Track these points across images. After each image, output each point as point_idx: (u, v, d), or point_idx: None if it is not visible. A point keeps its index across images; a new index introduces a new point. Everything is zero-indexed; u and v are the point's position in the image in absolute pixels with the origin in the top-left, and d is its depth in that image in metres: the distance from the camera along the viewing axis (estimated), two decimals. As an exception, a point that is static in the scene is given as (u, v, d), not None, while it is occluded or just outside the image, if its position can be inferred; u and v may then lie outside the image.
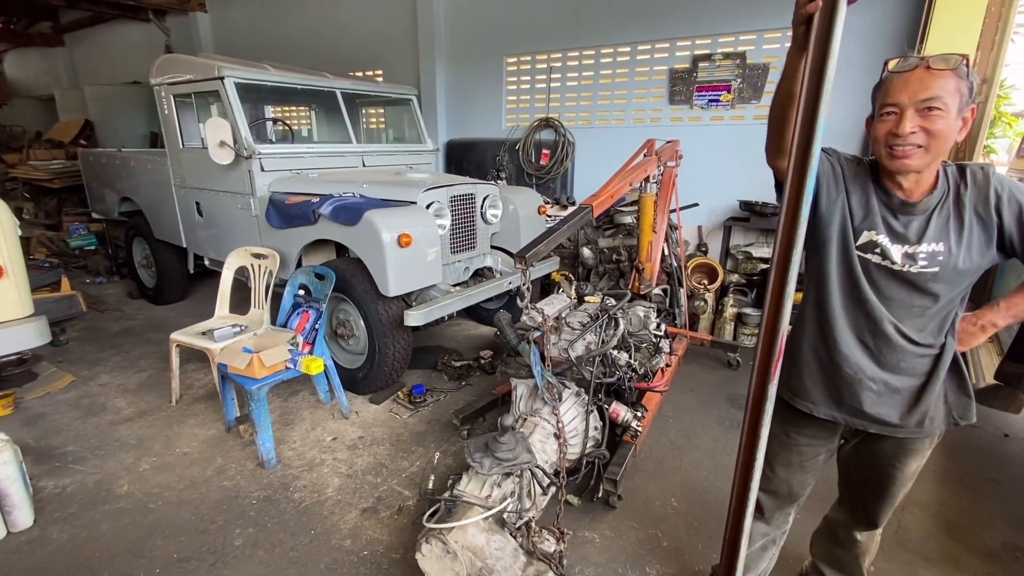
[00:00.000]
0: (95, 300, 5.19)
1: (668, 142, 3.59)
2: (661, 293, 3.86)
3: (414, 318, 2.97)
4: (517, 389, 2.56)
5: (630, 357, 2.60)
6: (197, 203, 4.11)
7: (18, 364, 3.27)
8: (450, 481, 1.93)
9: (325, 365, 2.86)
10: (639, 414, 2.50)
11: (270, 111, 5.11)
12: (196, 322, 3.29)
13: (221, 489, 2.49)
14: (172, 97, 3.94)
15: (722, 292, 4.48)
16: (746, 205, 4.33)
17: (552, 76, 5.41)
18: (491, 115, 5.93)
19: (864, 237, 1.27)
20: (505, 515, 1.82)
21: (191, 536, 2.20)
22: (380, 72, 6.62)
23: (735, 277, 4.48)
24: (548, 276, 4.77)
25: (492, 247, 4.07)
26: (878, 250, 1.26)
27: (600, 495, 2.34)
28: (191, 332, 3.13)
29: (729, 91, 4.48)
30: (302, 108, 5.62)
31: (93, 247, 6.38)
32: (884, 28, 3.81)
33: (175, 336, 3.09)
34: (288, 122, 5.15)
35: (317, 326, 2.93)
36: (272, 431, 2.67)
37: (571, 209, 4.42)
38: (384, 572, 2.03)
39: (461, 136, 6.16)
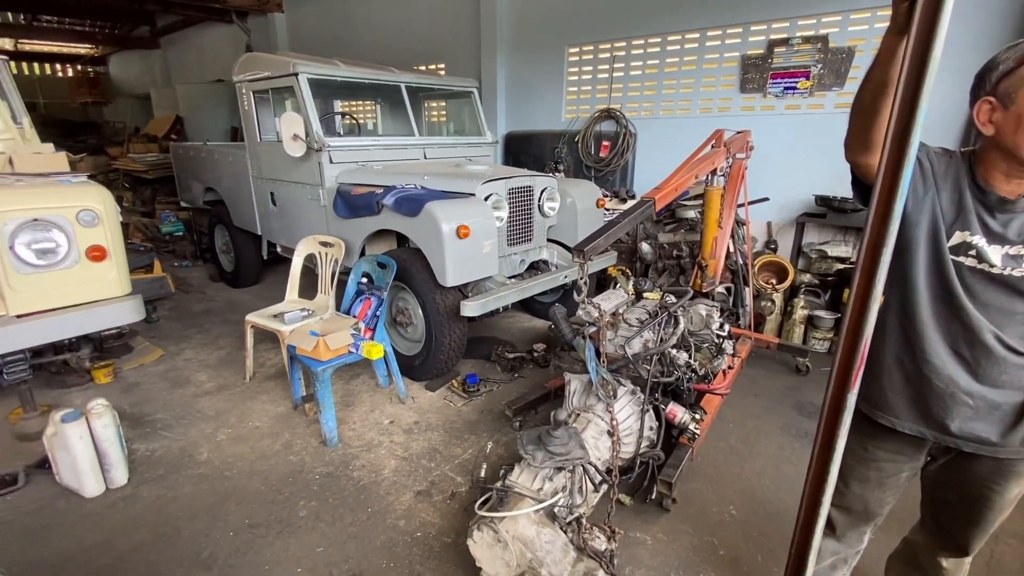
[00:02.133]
0: (182, 282, 5.64)
1: (738, 132, 3.42)
2: (725, 292, 3.70)
3: (470, 308, 3.01)
4: (571, 384, 2.54)
5: (690, 357, 2.52)
6: (271, 193, 4.36)
7: (117, 338, 3.61)
8: (502, 471, 1.95)
9: (385, 351, 2.96)
10: (697, 416, 2.41)
11: (338, 105, 5.32)
12: (269, 305, 3.50)
13: (288, 463, 2.65)
14: (252, 93, 4.19)
15: (792, 293, 4.23)
16: (823, 200, 4.05)
17: (615, 66, 5.28)
18: (551, 107, 5.88)
19: (956, 238, 1.15)
20: (556, 509, 1.81)
21: (261, 504, 2.35)
22: (442, 65, 6.72)
23: (807, 277, 4.21)
24: (604, 271, 4.69)
25: (548, 240, 4.06)
26: (972, 252, 1.14)
27: (654, 497, 2.29)
28: (264, 314, 3.34)
29: (808, 77, 4.19)
30: (368, 102, 5.81)
31: (181, 233, 6.93)
32: (991, 2, 3.42)
33: (250, 318, 3.31)
34: (355, 116, 5.35)
35: (378, 313, 3.03)
36: (335, 411, 2.80)
37: (632, 202, 4.31)
38: (436, 554, 2.09)
39: (520, 128, 6.15)
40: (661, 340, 2.50)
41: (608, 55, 5.32)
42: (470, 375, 3.40)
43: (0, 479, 2.42)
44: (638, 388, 2.41)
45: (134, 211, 7.57)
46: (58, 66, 14.86)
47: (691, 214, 4.47)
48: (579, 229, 3.96)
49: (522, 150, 6.04)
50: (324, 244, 3.53)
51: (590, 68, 5.51)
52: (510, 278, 3.68)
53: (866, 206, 1.03)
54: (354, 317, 3.12)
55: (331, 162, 3.73)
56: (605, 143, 5.39)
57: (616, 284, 4.45)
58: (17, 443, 2.75)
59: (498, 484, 1.88)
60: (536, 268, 4.06)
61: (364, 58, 4.84)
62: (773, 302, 4.09)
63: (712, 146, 3.21)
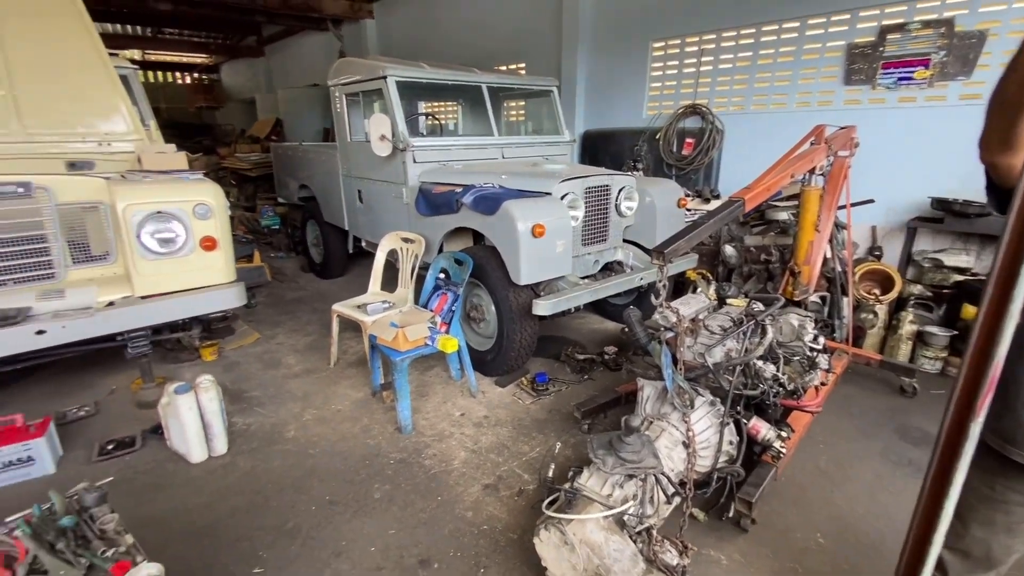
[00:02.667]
0: (277, 272, 6.12)
1: (842, 128, 3.13)
2: (819, 301, 3.41)
3: (542, 307, 3.01)
4: (644, 390, 2.46)
5: (778, 370, 2.34)
6: (359, 191, 4.61)
7: (222, 320, 4.00)
8: (571, 473, 1.93)
9: (459, 345, 3.03)
10: (783, 434, 2.24)
11: (422, 106, 5.51)
12: (353, 296, 3.70)
13: (365, 446, 2.79)
14: (344, 96, 4.45)
15: (898, 305, 3.82)
16: (940, 203, 3.61)
17: (702, 60, 5.04)
18: (631, 104, 5.72)
19: None
20: (625, 518, 1.76)
21: (340, 483, 2.50)
22: (523, 65, 6.76)
23: (917, 288, 3.78)
24: (683, 274, 4.51)
25: (625, 241, 3.96)
26: None
27: (731, 515, 2.16)
28: (349, 305, 3.54)
29: (927, 66, 3.76)
30: (451, 103, 5.97)
31: (277, 227, 7.51)
32: None
33: (336, 307, 3.52)
34: (438, 116, 5.51)
35: (453, 308, 3.11)
36: (410, 400, 2.91)
37: (716, 202, 4.10)
38: (501, 549, 2.11)
39: (598, 126, 6.05)
40: (746, 350, 2.35)
41: (695, 48, 5.09)
42: (539, 374, 3.40)
43: (121, 441, 2.75)
44: (718, 400, 2.29)
45: (238, 206, 8.31)
46: (178, 74, 16.64)
47: (783, 216, 4.17)
48: (658, 230, 3.83)
49: (600, 148, 5.95)
50: (406, 240, 3.68)
51: (675, 63, 5.30)
52: (583, 278, 3.63)
53: (1004, 213, 0.90)
54: (431, 311, 3.22)
55: (414, 161, 3.88)
56: (689, 140, 5.17)
57: (695, 288, 4.27)
58: (136, 410, 3.11)
59: (566, 486, 1.86)
60: (610, 269, 3.98)
61: (447, 60, 4.98)
62: (875, 315, 3.72)
63: (812, 143, 2.98)
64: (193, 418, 2.59)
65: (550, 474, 2.14)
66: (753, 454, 2.35)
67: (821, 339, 2.50)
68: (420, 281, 3.54)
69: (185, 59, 15.52)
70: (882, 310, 3.75)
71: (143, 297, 2.81)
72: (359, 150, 4.44)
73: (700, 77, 5.10)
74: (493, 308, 3.34)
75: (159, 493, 2.43)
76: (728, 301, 2.76)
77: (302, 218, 6.06)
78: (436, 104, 6.28)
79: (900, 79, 3.90)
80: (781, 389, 2.30)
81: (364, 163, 4.40)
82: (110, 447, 2.71)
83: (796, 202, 3.23)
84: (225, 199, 3.06)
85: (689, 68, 5.18)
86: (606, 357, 3.71)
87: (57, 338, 2.49)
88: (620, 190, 3.72)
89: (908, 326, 3.62)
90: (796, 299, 3.09)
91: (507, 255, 3.10)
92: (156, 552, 2.03)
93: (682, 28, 5.13)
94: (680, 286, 4.68)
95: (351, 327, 4.13)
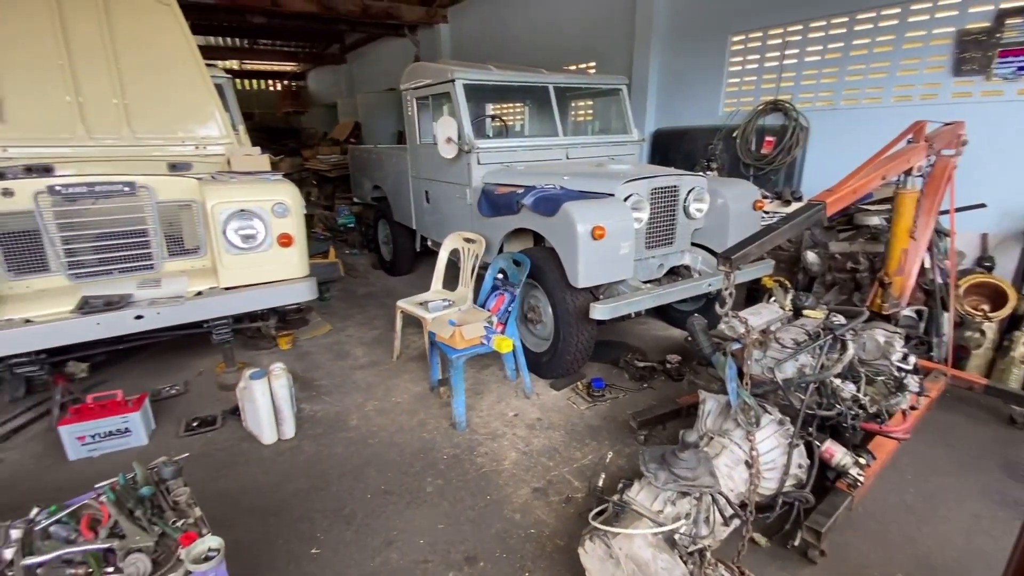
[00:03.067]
0: (350, 268, 6.44)
1: (947, 124, 2.81)
2: (914, 316, 3.09)
3: (599, 311, 2.94)
4: (706, 403, 2.33)
5: (858, 390, 2.14)
6: (426, 192, 4.74)
7: (297, 312, 4.25)
8: (621, 485, 1.86)
9: (514, 346, 3.03)
10: (862, 461, 2.04)
11: (489, 108, 5.58)
12: (418, 293, 3.81)
13: (421, 440, 2.86)
14: (415, 99, 4.60)
15: (1011, 323, 3.36)
16: (1069, 208, 3.15)
17: (786, 53, 4.71)
18: (706, 100, 5.47)
19: None
20: (676, 536, 1.68)
21: (395, 474, 2.57)
22: (593, 64, 6.66)
23: (1037, 305, 3.32)
24: (758, 281, 4.24)
25: (693, 244, 3.78)
26: None
27: (797, 543, 1.99)
28: (412, 301, 3.65)
29: (1057, 52, 3.29)
30: (518, 104, 6.00)
31: (352, 225, 7.91)
32: None
33: (400, 303, 3.64)
34: (504, 118, 5.56)
35: (510, 309, 3.11)
36: (464, 397, 2.95)
37: (797, 205, 3.83)
38: (547, 555, 2.08)
39: (670, 125, 5.84)
40: (822, 367, 2.16)
41: (779, 41, 4.77)
42: (596, 379, 3.33)
43: (204, 419, 3.00)
44: (787, 419, 2.12)
45: (318, 204, 8.84)
46: (269, 82, 17.97)
47: (874, 220, 3.81)
48: (730, 233, 3.62)
49: (672, 147, 5.74)
50: (467, 240, 3.74)
51: (755, 57, 5.00)
52: (647, 283, 3.51)
53: None
54: (488, 311, 3.24)
55: (479, 163, 3.93)
56: (769, 138, 4.86)
57: (770, 297, 4.00)
58: (219, 391, 3.38)
59: (615, 498, 1.80)
60: (676, 274, 3.82)
61: (518, 61, 5.01)
62: (983, 333, 3.30)
63: (909, 140, 2.69)
64: (265, 402, 2.77)
65: (600, 484, 2.08)
66: (826, 480, 2.16)
67: (912, 358, 2.25)
68: (480, 281, 3.58)
69: (276, 67, 16.75)
70: (991, 328, 3.32)
71: (226, 288, 3.05)
72: (428, 152, 4.57)
73: (783, 71, 4.77)
74: (550, 310, 3.31)
75: (232, 469, 2.62)
76: (804, 312, 2.56)
77: (374, 217, 6.34)
78: (503, 106, 6.34)
79: (1021, 68, 3.43)
80: (861, 411, 2.09)
81: (431, 165, 4.52)
82: (194, 424, 2.97)
83: (889, 206, 2.94)
84: (301, 198, 3.25)
85: (771, 62, 4.87)
86: (668, 366, 3.57)
87: (152, 323, 2.76)
88: (689, 191, 3.56)
89: (1022, 348, 3.18)
90: (885, 313, 2.81)
91: (565, 257, 3.06)
92: (226, 525, 2.21)
93: (764, 20, 4.82)
94: (754, 294, 4.41)
95: (414, 323, 4.25)
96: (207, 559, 1.26)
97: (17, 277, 2.70)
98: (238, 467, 2.64)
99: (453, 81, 3.89)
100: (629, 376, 3.55)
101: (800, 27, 4.59)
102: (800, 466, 2.07)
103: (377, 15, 8.73)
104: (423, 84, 4.36)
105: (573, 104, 5.29)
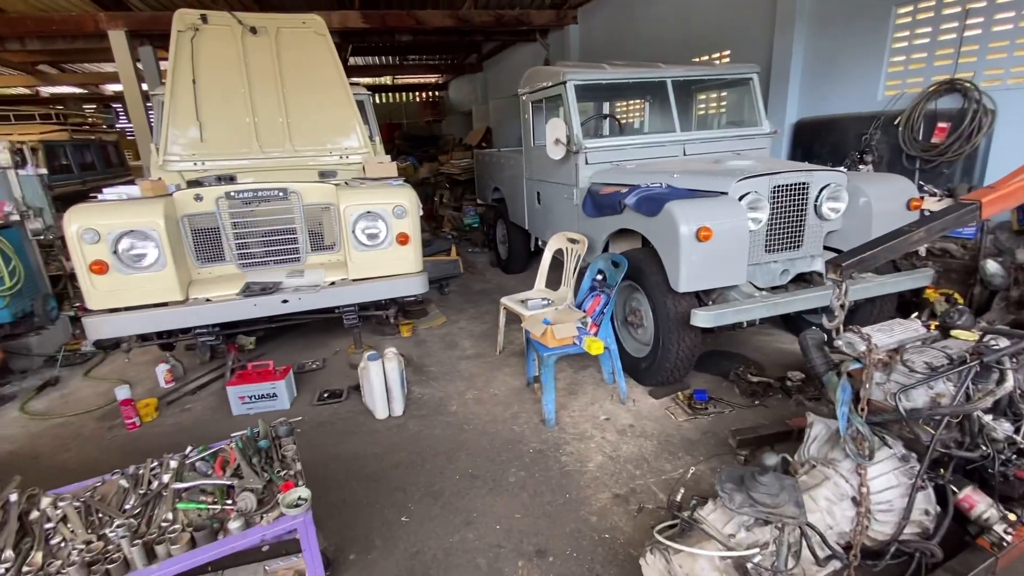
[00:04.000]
0: (470, 265, 6.84)
1: None
2: None
3: (701, 318, 2.76)
4: (813, 427, 2.09)
5: (1017, 432, 1.74)
6: (538, 193, 4.86)
7: (417, 304, 4.67)
8: (693, 502, 1.77)
9: (606, 348, 2.99)
10: (1013, 517, 1.66)
11: (606, 107, 5.51)
12: (527, 291, 3.95)
13: (511, 431, 2.97)
14: (530, 103, 4.73)
15: None
16: None
17: (966, 23, 3.91)
18: (861, 85, 4.76)
19: None
20: (749, 565, 1.54)
21: (483, 461, 2.72)
22: (727, 53, 6.19)
23: None
24: (919, 292, 3.62)
25: (825, 248, 3.36)
26: None
27: (915, 602, 1.70)
28: (514, 299, 3.78)
29: None
30: (637, 101, 5.83)
31: (476, 225, 8.38)
32: None
33: (504, 300, 3.80)
34: (618, 116, 5.45)
35: (605, 310, 3.08)
36: (555, 395, 2.99)
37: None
38: (618, 562, 2.04)
39: (815, 113, 5.20)
40: (966, 398, 1.80)
41: (958, 9, 3.99)
42: (699, 391, 3.13)
43: (333, 392, 3.46)
44: (913, 455, 1.81)
45: (448, 206, 9.50)
46: (416, 93, 19.68)
47: (1083, 224, 3.02)
48: (872, 237, 3.14)
49: (816, 139, 5.12)
50: (571, 240, 3.76)
51: (927, 30, 4.24)
52: (769, 289, 3.21)
53: None
54: (584, 311, 3.24)
55: (586, 163, 3.93)
56: (942, 125, 4.09)
57: (924, 313, 3.40)
58: (348, 369, 3.86)
59: (685, 514, 1.71)
60: (805, 280, 3.42)
61: (646, 57, 4.86)
62: None
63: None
64: (379, 382, 3.11)
65: (677, 498, 1.99)
66: (967, 534, 1.79)
67: (1106, 399, 1.76)
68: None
69: (423, 80, 18.31)
70: None
71: (354, 280, 3.48)
72: (540, 154, 4.67)
73: (963, 45, 3.97)
74: (651, 314, 3.19)
75: (349, 437, 3.00)
76: (953, 332, 2.14)
77: (493, 217, 6.65)
78: (621, 104, 6.21)
79: None
80: (1018, 457, 1.70)
81: (543, 166, 4.62)
82: (325, 395, 3.44)
83: (1097, 204, 2.31)
84: (418, 201, 3.57)
85: (946, 35, 4.09)
86: (788, 383, 3.22)
87: (294, 307, 3.27)
88: (822, 189, 3.17)
89: None
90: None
91: (667, 259, 2.93)
92: (338, 485, 2.55)
93: (940, -16, 4.07)
94: (907, 307, 3.76)
95: (517, 319, 4.40)
96: (297, 506, 1.49)
97: (203, 265, 3.39)
98: (354, 436, 3.01)
99: (564, 83, 3.94)
100: (740, 391, 3.28)
101: (991, -12, 3.78)
102: (927, 512, 1.75)
103: (509, 23, 9.09)
104: (538, 88, 4.47)
105: (703, 97, 4.98)
